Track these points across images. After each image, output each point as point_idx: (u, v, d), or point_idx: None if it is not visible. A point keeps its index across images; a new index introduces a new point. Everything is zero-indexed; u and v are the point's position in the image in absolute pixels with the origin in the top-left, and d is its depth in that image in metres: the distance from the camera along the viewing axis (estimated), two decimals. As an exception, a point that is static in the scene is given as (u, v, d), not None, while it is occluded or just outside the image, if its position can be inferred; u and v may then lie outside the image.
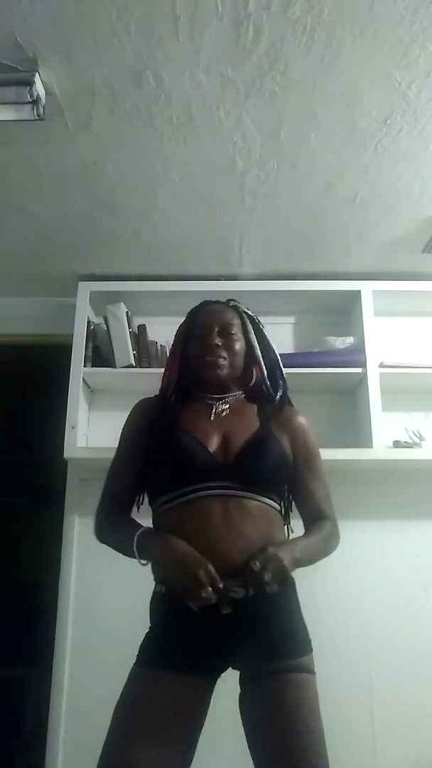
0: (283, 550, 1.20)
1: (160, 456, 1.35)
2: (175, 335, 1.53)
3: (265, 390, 1.49)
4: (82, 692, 2.15)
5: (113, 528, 1.36)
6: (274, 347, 1.52)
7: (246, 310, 1.52)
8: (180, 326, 1.53)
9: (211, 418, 1.39)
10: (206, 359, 1.42)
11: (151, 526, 1.35)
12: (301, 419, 1.46)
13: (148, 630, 1.29)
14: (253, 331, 1.49)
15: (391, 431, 2.28)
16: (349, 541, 2.29)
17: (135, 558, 1.25)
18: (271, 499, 1.33)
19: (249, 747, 1.18)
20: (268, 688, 1.18)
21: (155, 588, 1.30)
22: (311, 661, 1.24)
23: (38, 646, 2.52)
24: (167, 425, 1.37)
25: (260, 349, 1.48)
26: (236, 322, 1.47)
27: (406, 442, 2.29)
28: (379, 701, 2.14)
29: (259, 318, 1.54)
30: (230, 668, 1.25)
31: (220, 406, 1.42)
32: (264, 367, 1.49)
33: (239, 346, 1.45)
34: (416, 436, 2.31)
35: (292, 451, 1.41)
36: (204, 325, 1.45)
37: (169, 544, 1.22)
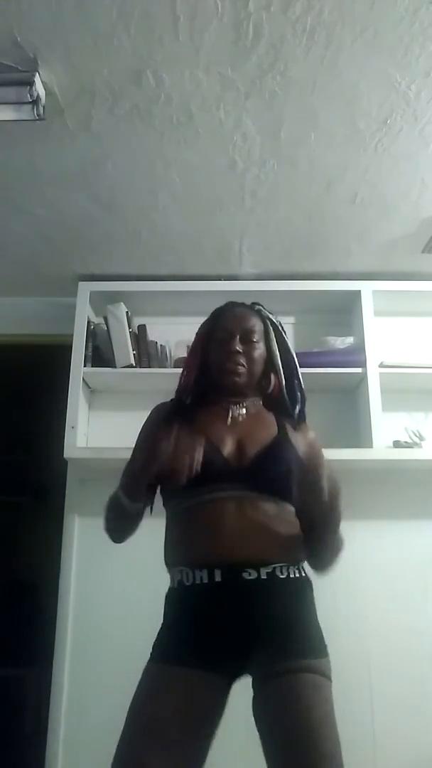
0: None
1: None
2: (196, 335, 1.52)
3: (282, 401, 1.49)
4: (82, 692, 2.15)
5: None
6: (294, 355, 1.52)
7: (269, 316, 1.52)
8: (201, 326, 1.52)
9: (228, 423, 1.39)
10: (226, 366, 1.42)
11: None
12: (312, 434, 1.48)
13: (161, 627, 1.29)
14: (274, 338, 1.49)
15: (391, 431, 2.28)
16: (349, 541, 2.29)
17: (124, 501, 1.29)
18: (284, 500, 1.32)
19: (264, 751, 1.15)
20: (283, 686, 1.15)
21: (171, 583, 1.31)
22: (328, 666, 1.22)
23: (38, 646, 2.53)
24: (188, 426, 1.35)
25: (280, 357, 1.49)
26: (258, 328, 1.47)
27: (406, 442, 2.29)
28: (379, 701, 2.14)
29: (280, 321, 1.54)
30: (246, 673, 1.24)
31: (237, 410, 1.43)
32: (282, 376, 1.49)
33: (259, 353, 1.45)
34: (416, 436, 2.31)
35: (306, 460, 1.41)
36: (226, 330, 1.45)
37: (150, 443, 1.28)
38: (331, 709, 1.16)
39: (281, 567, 1.25)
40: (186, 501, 1.30)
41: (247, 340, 1.44)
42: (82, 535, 2.31)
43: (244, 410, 1.43)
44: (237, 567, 1.22)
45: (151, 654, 1.25)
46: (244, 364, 1.42)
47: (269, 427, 1.40)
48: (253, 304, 1.54)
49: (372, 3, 1.33)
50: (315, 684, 1.16)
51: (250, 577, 1.22)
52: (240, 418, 1.41)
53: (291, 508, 1.34)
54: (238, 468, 1.31)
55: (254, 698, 1.21)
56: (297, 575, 1.28)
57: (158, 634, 1.29)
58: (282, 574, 1.24)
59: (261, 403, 1.48)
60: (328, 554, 1.33)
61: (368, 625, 2.21)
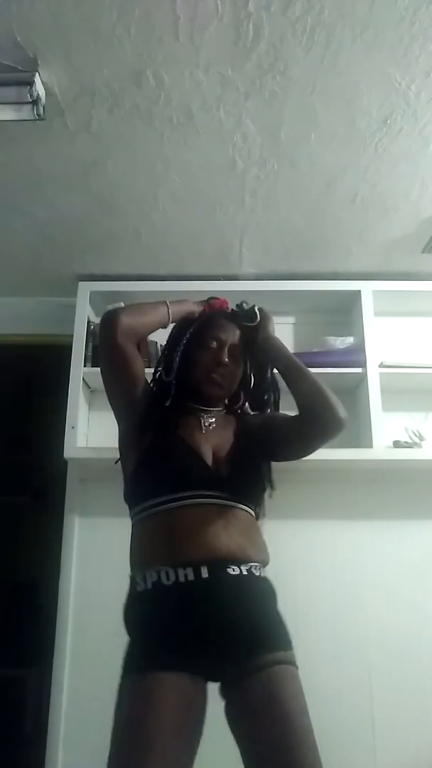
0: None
1: (160, 460, 1.36)
2: (180, 334, 1.51)
3: (246, 410, 1.57)
4: (82, 692, 2.15)
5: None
6: (270, 370, 1.56)
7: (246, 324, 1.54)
8: (185, 326, 1.52)
9: (203, 431, 1.43)
10: (211, 376, 1.44)
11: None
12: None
13: (132, 637, 1.28)
14: (249, 356, 1.53)
15: (391, 431, 2.28)
16: (349, 541, 2.32)
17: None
18: (251, 508, 1.38)
19: (241, 751, 1.15)
20: (261, 681, 1.18)
21: (136, 588, 1.31)
22: (294, 656, 1.26)
23: (38, 646, 2.53)
24: (167, 430, 1.40)
25: (254, 377, 1.55)
26: (241, 343, 1.49)
27: (406, 442, 2.28)
28: (379, 701, 2.14)
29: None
30: (218, 673, 1.24)
31: (208, 419, 1.46)
32: (249, 394, 1.56)
33: (239, 371, 1.50)
34: (416, 436, 2.31)
35: (267, 422, 1.49)
36: (218, 339, 1.47)
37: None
38: (303, 698, 1.20)
39: (256, 566, 1.30)
40: (164, 503, 1.31)
41: (233, 355, 1.47)
42: (82, 535, 2.30)
43: (213, 419, 1.47)
44: (222, 562, 1.24)
45: (124, 668, 1.22)
46: (228, 378, 1.46)
47: (237, 436, 1.45)
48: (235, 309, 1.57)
49: (372, 3, 1.32)
50: (291, 674, 1.21)
51: (235, 573, 1.24)
52: (211, 428, 1.45)
53: (254, 514, 1.39)
54: (217, 476, 1.34)
55: (230, 698, 1.21)
56: (265, 575, 1.34)
57: (129, 646, 1.26)
58: (256, 572, 1.29)
59: (225, 412, 1.53)
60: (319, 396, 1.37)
61: (368, 625, 2.21)
